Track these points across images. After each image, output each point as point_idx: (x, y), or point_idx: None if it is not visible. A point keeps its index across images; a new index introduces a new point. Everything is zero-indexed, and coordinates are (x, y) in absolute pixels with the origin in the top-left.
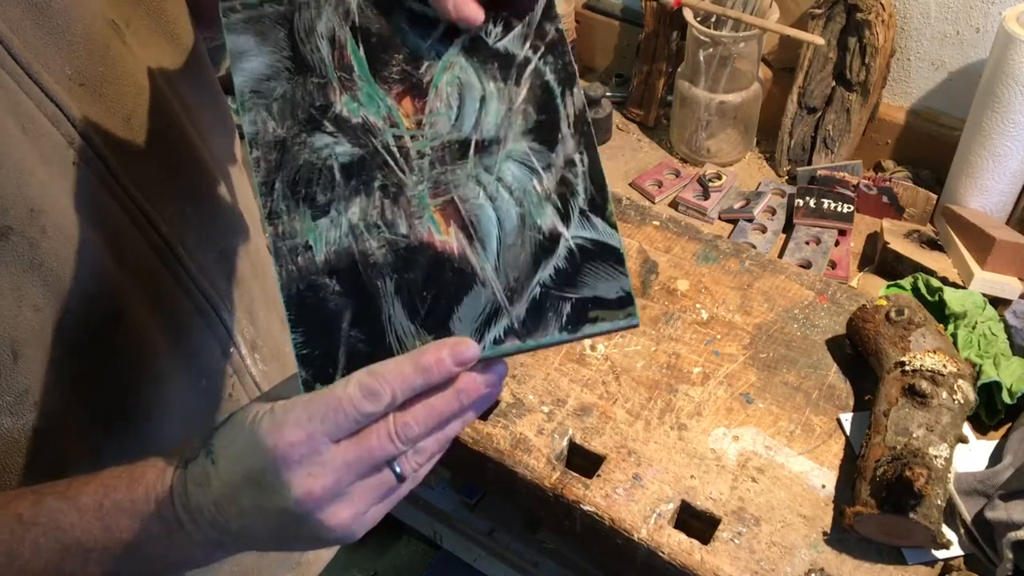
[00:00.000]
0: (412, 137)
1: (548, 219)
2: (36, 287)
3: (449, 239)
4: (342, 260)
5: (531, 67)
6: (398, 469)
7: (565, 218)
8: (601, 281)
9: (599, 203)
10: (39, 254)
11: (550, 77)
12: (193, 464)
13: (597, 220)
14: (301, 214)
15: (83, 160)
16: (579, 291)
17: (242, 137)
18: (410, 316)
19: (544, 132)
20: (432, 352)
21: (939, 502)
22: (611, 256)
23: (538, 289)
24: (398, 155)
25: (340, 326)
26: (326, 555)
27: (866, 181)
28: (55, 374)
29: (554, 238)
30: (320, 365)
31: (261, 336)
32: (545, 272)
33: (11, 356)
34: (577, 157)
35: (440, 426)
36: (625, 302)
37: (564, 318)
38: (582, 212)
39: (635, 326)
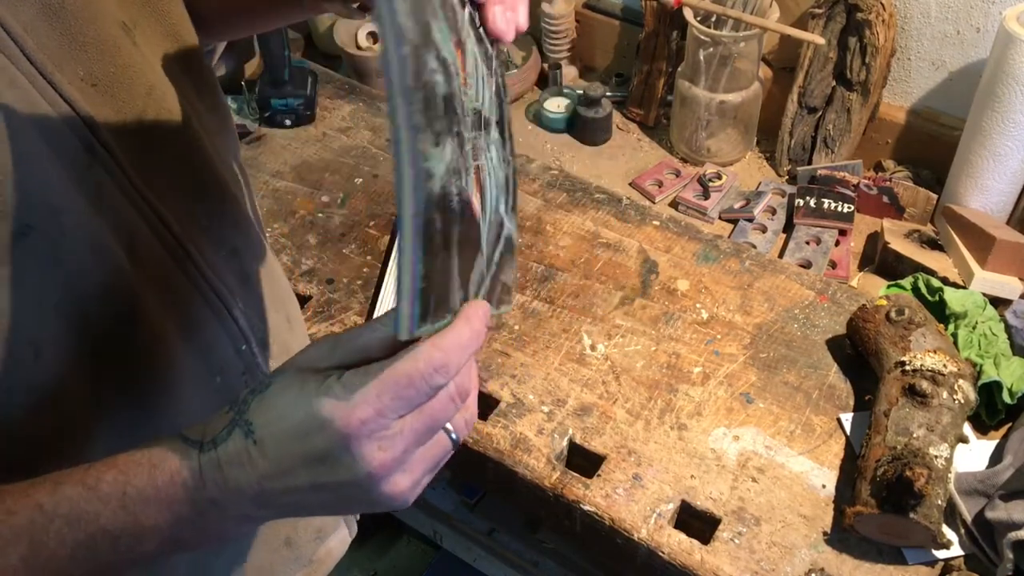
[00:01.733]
0: (463, 93)
1: (502, 207)
2: (57, 285)
3: (476, 203)
4: (441, 199)
5: (496, 65)
6: (455, 435)
7: (509, 210)
8: (510, 269)
9: (516, 204)
10: (59, 252)
11: (501, 81)
12: (225, 444)
13: (515, 217)
14: (426, 137)
15: (96, 160)
16: (504, 275)
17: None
18: (461, 272)
19: (503, 128)
20: (477, 316)
21: (939, 502)
22: (514, 249)
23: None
24: (464, 105)
25: (450, 269)
26: (337, 553)
27: (866, 181)
28: (75, 373)
29: (501, 225)
30: (429, 307)
31: (271, 334)
32: (495, 256)
33: (33, 354)
34: (511, 159)
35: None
36: (513, 290)
37: (496, 299)
38: (513, 208)
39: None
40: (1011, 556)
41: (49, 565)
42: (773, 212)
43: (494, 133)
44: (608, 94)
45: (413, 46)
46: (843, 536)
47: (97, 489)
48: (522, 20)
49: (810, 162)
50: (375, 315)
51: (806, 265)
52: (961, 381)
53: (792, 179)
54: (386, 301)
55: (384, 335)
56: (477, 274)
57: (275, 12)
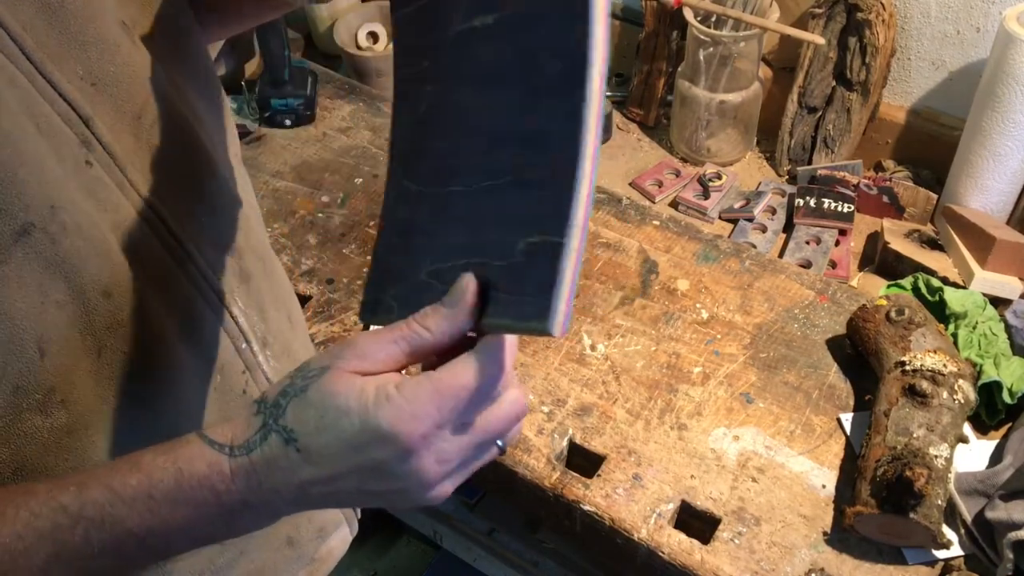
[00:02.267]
0: None
1: None
2: (58, 283)
3: None
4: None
5: None
6: (502, 443)
7: None
8: None
9: None
10: (60, 250)
11: None
12: (260, 450)
13: None
14: None
15: (95, 159)
16: None
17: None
18: None
19: None
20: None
21: (939, 502)
22: None
23: None
24: None
25: None
26: (338, 552)
27: (866, 181)
28: (79, 372)
29: None
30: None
31: (271, 333)
32: None
33: (38, 352)
34: None
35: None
36: None
37: None
38: None
39: None
40: (1011, 556)
41: (75, 563)
42: (773, 212)
43: None
44: (608, 94)
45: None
46: (843, 536)
47: (122, 493)
48: None
49: (810, 162)
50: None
51: (806, 265)
52: (961, 381)
53: (792, 179)
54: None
55: (432, 338)
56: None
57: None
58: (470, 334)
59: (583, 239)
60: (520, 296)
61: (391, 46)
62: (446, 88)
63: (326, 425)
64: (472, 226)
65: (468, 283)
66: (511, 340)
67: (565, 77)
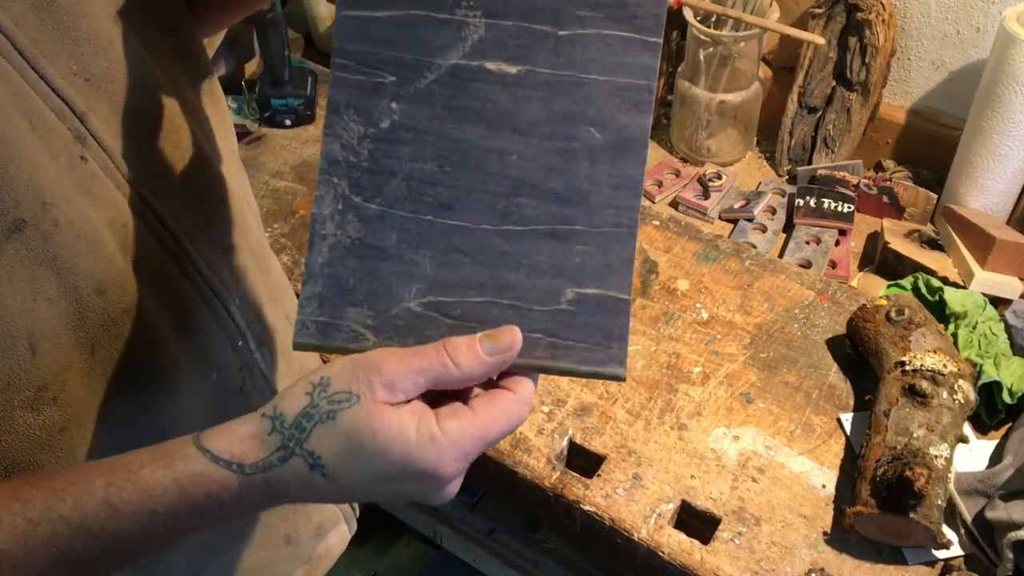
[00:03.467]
0: None
1: None
2: (50, 280)
3: None
4: None
5: None
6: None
7: None
8: None
9: None
10: (52, 247)
11: None
12: (278, 471)
13: None
14: None
15: (90, 154)
16: None
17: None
18: None
19: None
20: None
21: (939, 502)
22: None
23: None
24: None
25: None
26: (336, 550)
27: (866, 181)
28: (71, 369)
29: None
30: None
31: (268, 331)
32: None
33: (29, 350)
34: None
35: None
36: None
37: None
38: None
39: None
40: (1011, 556)
41: (77, 567)
42: (773, 212)
43: None
44: None
45: None
46: (843, 536)
47: (123, 510)
48: None
49: (810, 162)
50: None
51: (806, 265)
52: (961, 381)
53: (792, 179)
54: None
55: (460, 375)
56: None
57: None
58: None
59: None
60: (576, 343)
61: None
62: (432, 115)
63: (359, 459)
64: (487, 266)
65: (516, 334)
66: (532, 380)
67: (615, 150)
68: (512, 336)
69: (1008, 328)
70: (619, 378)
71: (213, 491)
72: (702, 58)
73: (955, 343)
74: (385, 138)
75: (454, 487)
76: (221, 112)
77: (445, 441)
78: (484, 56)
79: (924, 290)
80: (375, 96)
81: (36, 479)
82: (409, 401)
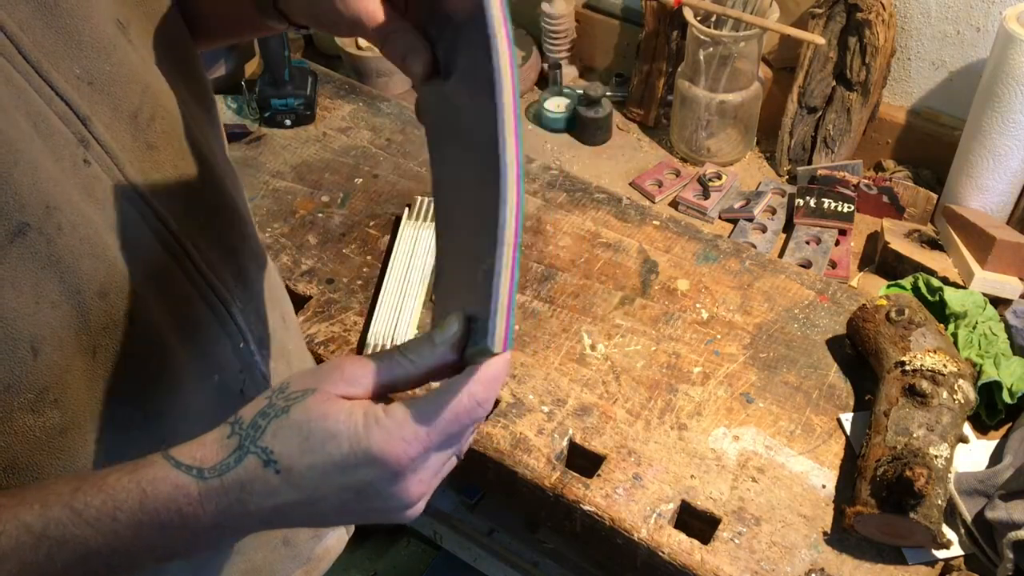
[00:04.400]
0: None
1: None
2: (53, 283)
3: None
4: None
5: None
6: (461, 455)
7: None
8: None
9: None
10: (56, 250)
11: None
12: (235, 471)
13: None
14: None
15: (93, 158)
16: None
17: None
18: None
19: None
20: (504, 360)
21: (939, 502)
22: None
23: None
24: None
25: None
26: (334, 551)
27: (866, 181)
28: (73, 372)
29: None
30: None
31: (266, 333)
32: None
33: (31, 352)
34: None
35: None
36: None
37: None
38: None
39: None
40: (1011, 556)
41: None
42: (773, 212)
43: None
44: (608, 94)
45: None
46: (843, 536)
47: (85, 514)
48: None
49: (810, 162)
50: (374, 317)
51: (806, 265)
52: (961, 381)
53: (792, 179)
54: (386, 302)
55: (415, 370)
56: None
57: (259, 29)
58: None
59: (515, 259)
60: (481, 320)
61: None
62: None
63: (311, 447)
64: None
65: (454, 321)
66: (499, 365)
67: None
68: (450, 322)
69: (1008, 328)
70: (488, 352)
71: (172, 496)
72: (702, 58)
73: (955, 343)
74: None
75: (415, 489)
76: (214, 115)
77: (390, 422)
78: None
79: (924, 290)
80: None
81: (12, 490)
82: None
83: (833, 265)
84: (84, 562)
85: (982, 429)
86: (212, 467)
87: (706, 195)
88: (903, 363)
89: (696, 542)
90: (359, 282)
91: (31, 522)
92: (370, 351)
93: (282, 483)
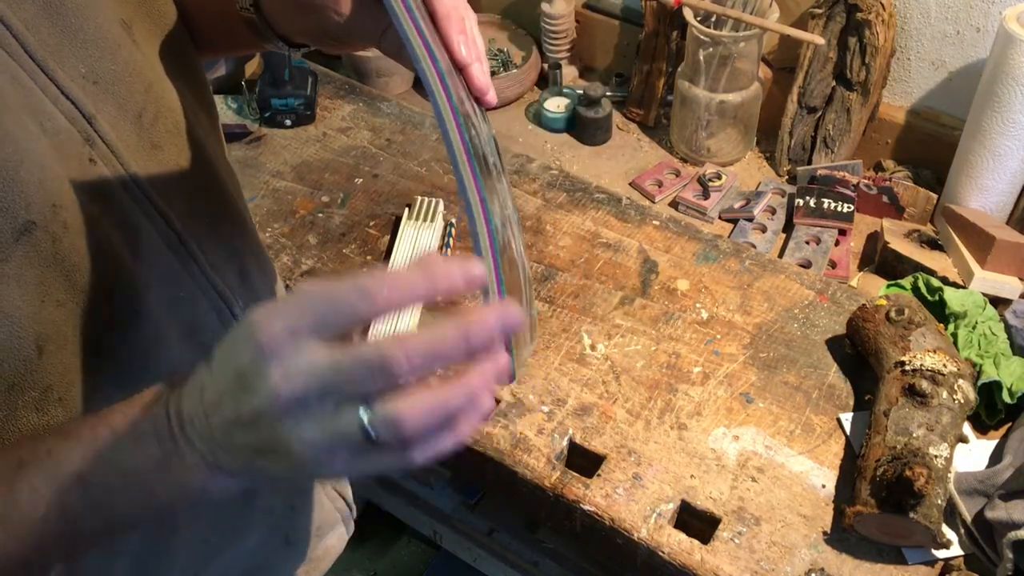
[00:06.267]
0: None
1: (521, 247)
2: (59, 282)
3: (516, 248)
4: (504, 251)
5: (481, 110)
6: (365, 420)
7: (523, 248)
8: (533, 305)
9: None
10: (61, 249)
11: (489, 126)
12: (193, 376)
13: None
14: (489, 189)
15: (99, 156)
16: (532, 311)
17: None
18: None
19: (503, 169)
20: (439, 262)
21: (939, 502)
22: (532, 287)
23: None
24: (484, 154)
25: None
26: (335, 551)
27: (866, 181)
28: (77, 370)
29: (524, 267)
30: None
31: None
32: (528, 295)
33: (36, 351)
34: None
35: (444, 403)
36: (536, 325)
37: (530, 336)
38: (523, 246)
39: None
40: (1011, 556)
41: (23, 527)
42: (773, 212)
43: (503, 178)
44: (608, 94)
45: (464, 114)
46: (843, 536)
47: (74, 433)
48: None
49: (810, 162)
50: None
51: (806, 265)
52: (961, 381)
53: (792, 179)
54: None
55: (354, 283)
56: (527, 316)
57: (258, 47)
58: None
59: (499, 289)
60: None
61: None
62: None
63: (229, 339)
64: None
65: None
66: (407, 271)
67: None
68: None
69: (1008, 328)
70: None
71: (149, 403)
72: (702, 58)
73: (955, 343)
74: None
75: (279, 377)
76: (214, 117)
77: (277, 301)
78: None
79: (924, 290)
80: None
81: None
82: None
83: (833, 265)
84: (64, 494)
85: (982, 429)
86: (185, 377)
87: (706, 195)
88: (903, 363)
89: (696, 542)
90: None
91: (23, 455)
92: None
93: (207, 378)
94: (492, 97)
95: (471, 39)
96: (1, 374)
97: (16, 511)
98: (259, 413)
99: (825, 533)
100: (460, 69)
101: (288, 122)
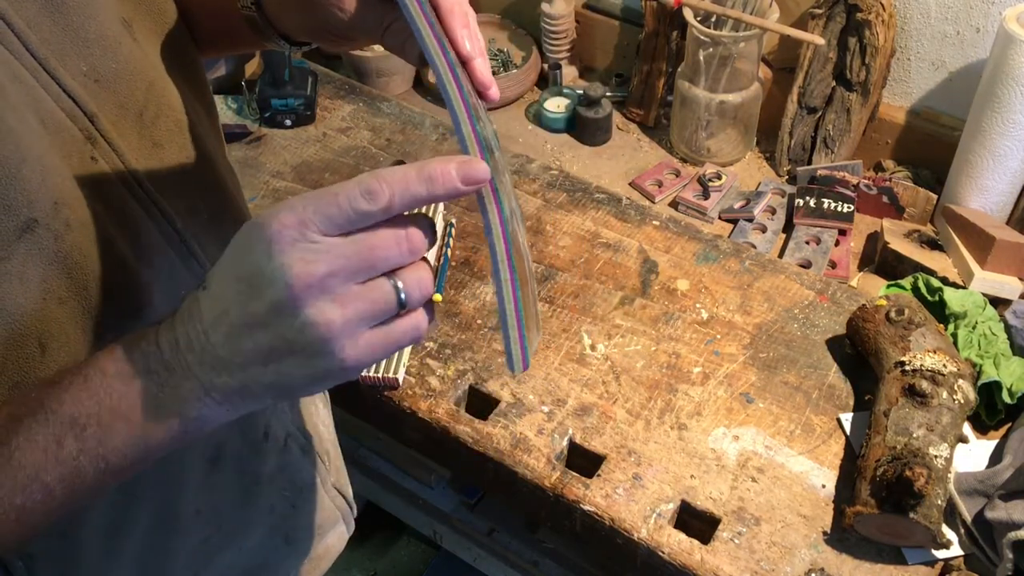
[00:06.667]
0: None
1: (525, 239)
2: (61, 280)
3: (523, 240)
4: (514, 241)
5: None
6: (402, 289)
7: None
8: (536, 298)
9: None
10: (63, 247)
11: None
12: (182, 306)
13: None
14: (501, 183)
15: (100, 155)
16: (536, 304)
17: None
18: (531, 304)
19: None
20: (439, 163)
21: (939, 502)
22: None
23: None
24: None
25: (529, 304)
26: (335, 549)
27: (866, 181)
28: None
29: (528, 258)
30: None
31: None
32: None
33: (39, 349)
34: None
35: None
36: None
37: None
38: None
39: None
40: (1011, 556)
41: (22, 475)
42: (773, 212)
43: (507, 173)
44: (608, 94)
45: (473, 106)
46: (843, 536)
47: (64, 380)
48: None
49: (810, 162)
50: None
51: (806, 265)
52: (961, 381)
53: (792, 179)
54: None
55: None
56: (533, 307)
57: (259, 46)
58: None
59: (515, 289)
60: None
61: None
62: None
63: (223, 258)
64: None
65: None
66: (405, 168)
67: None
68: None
69: (1008, 328)
70: (511, 371)
71: (137, 341)
72: (702, 58)
73: (955, 343)
74: None
75: (298, 266)
76: (214, 116)
77: (274, 207)
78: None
79: (924, 290)
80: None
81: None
82: None
83: (833, 265)
84: (58, 441)
85: (982, 429)
86: (174, 311)
87: (706, 195)
88: (903, 363)
89: (696, 542)
90: None
91: (15, 410)
92: None
93: (203, 297)
94: (495, 92)
95: (474, 34)
96: (4, 372)
97: (13, 462)
98: (276, 305)
99: (825, 533)
100: (463, 63)
101: (288, 122)
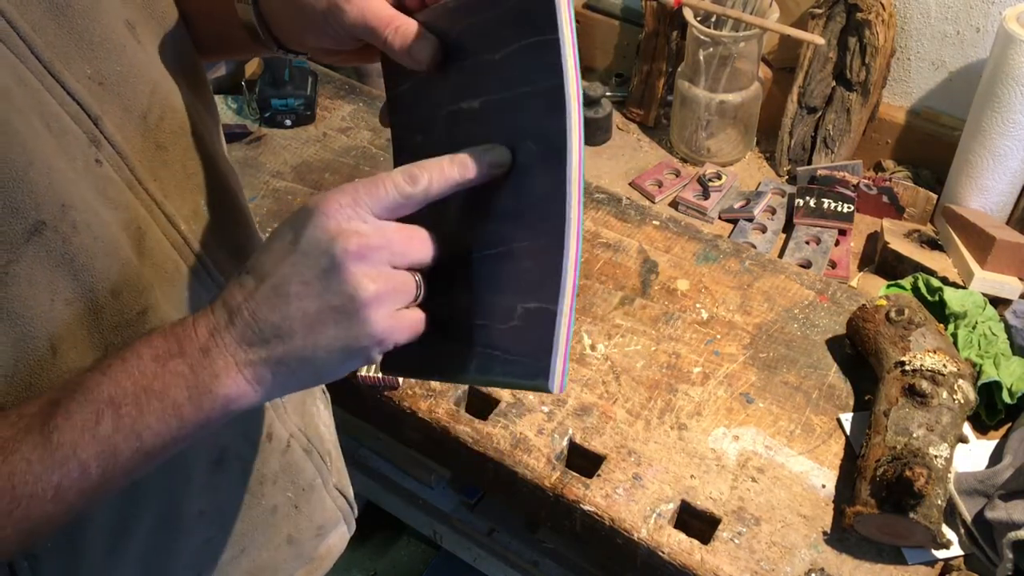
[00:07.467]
0: None
1: None
2: (67, 281)
3: None
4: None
5: None
6: (419, 280)
7: None
8: None
9: None
10: (70, 249)
11: None
12: (220, 296)
13: None
14: None
15: (105, 158)
16: None
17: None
18: None
19: None
20: (468, 151)
21: (939, 502)
22: None
23: None
24: None
25: None
26: (336, 550)
27: (866, 181)
28: None
29: None
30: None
31: None
32: None
33: (50, 351)
34: None
35: None
36: None
37: None
38: None
39: None
40: (1011, 556)
41: (60, 453)
42: (773, 212)
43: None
44: (608, 94)
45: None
46: (843, 536)
47: (103, 364)
48: None
49: (810, 162)
50: None
51: (806, 265)
52: (961, 381)
53: (792, 179)
54: None
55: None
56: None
57: (256, 53)
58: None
59: (573, 305)
60: (521, 357)
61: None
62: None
63: (264, 245)
64: (475, 290)
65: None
66: (442, 160)
67: (546, 159)
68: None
69: (1008, 328)
70: (546, 390)
71: (175, 325)
72: (702, 58)
73: (955, 343)
74: None
75: (353, 243)
76: (215, 117)
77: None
78: (458, 97)
79: (924, 290)
80: (412, 158)
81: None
82: None
83: (833, 265)
84: (97, 416)
85: (982, 429)
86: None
87: (706, 195)
88: (903, 363)
89: (696, 542)
90: None
91: (58, 397)
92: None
93: (246, 278)
94: None
95: None
96: (17, 374)
97: (51, 441)
98: (328, 270)
99: (825, 533)
100: None
101: (288, 122)
